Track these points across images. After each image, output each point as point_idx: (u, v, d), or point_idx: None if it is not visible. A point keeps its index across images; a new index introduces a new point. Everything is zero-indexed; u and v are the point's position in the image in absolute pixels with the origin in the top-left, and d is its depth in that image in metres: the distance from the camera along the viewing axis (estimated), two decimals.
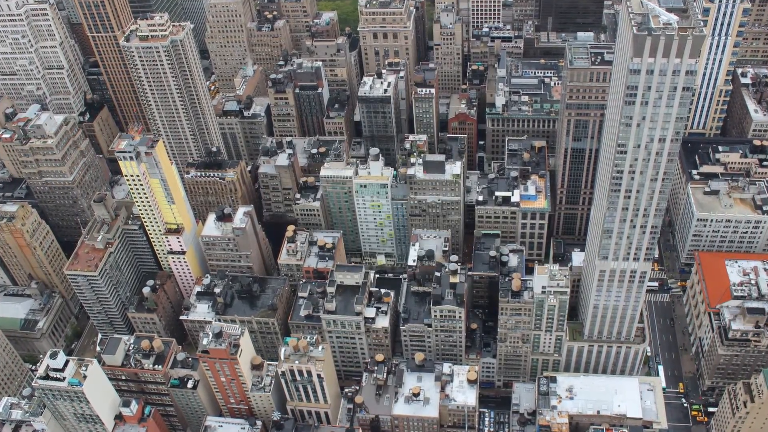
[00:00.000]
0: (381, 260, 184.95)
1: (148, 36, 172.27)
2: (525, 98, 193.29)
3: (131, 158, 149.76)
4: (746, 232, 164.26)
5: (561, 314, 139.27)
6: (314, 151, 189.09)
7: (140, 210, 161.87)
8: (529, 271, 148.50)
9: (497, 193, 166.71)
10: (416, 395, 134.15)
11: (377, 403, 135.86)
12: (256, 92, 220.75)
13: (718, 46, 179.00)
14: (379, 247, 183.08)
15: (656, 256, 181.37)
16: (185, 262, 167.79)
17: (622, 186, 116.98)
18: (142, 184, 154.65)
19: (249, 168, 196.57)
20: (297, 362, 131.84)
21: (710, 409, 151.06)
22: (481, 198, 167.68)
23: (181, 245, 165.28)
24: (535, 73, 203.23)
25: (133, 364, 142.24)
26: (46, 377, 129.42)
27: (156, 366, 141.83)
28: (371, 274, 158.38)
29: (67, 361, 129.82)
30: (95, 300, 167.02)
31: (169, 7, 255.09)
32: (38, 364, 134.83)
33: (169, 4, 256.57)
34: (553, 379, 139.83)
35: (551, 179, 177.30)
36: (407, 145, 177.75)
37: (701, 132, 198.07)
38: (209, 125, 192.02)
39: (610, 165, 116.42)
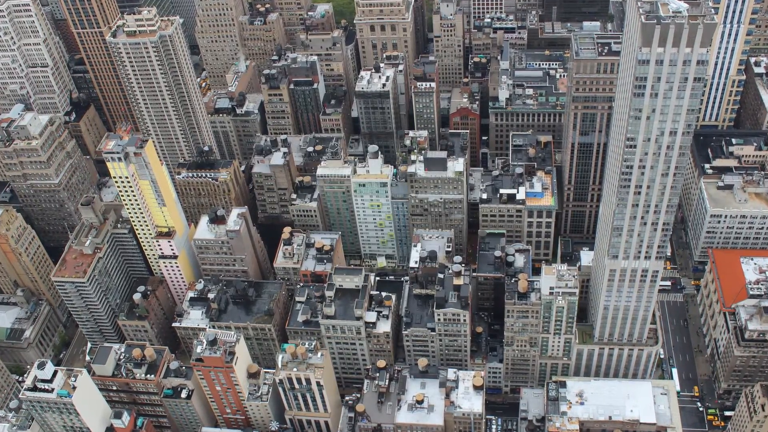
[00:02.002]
0: (381, 262, 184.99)
1: (135, 31, 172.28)
2: (529, 91, 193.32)
3: (120, 159, 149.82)
4: (762, 228, 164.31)
5: (570, 316, 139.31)
6: (310, 149, 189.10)
7: (130, 213, 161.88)
8: (536, 271, 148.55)
9: (502, 191, 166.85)
10: (420, 402, 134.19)
11: (379, 412, 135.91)
12: (249, 89, 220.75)
13: (730, 34, 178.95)
14: (379, 249, 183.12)
15: (668, 254, 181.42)
16: (177, 266, 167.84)
17: (632, 182, 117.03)
18: (131, 186, 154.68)
19: (242, 168, 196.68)
20: (295, 370, 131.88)
21: (727, 413, 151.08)
22: (485, 196, 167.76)
23: (172, 249, 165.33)
24: (539, 65, 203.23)
25: (124, 374, 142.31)
26: (34, 389, 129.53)
27: (148, 375, 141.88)
28: (371, 277, 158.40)
29: (55, 372, 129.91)
30: (84, 307, 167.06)
31: (157, 1, 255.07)
32: (25, 375, 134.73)
33: None
34: (563, 384, 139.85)
35: (558, 175, 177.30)
36: (407, 142, 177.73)
37: (714, 124, 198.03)
38: (200, 124, 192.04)
39: (619, 160, 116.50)
